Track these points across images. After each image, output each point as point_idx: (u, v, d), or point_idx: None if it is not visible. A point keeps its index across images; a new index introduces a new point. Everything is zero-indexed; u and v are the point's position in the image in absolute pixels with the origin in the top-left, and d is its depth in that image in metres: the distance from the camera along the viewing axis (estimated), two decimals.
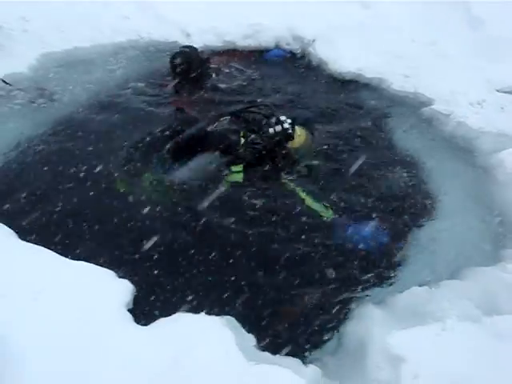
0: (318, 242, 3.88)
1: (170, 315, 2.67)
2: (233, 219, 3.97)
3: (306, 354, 3.12)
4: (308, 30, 6.95)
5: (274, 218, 4.05)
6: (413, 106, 5.64)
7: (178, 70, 5.71)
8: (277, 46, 7.02)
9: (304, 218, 4.04)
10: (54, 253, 2.93)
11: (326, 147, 4.94)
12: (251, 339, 2.79)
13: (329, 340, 3.23)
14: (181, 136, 4.57)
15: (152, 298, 3.28)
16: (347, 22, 7.06)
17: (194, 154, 4.46)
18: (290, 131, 4.47)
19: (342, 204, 4.25)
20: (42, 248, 2.97)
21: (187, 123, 4.76)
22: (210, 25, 7.00)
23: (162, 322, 2.61)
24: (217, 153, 4.43)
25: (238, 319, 2.89)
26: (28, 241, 3.07)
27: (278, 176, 4.39)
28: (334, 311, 3.39)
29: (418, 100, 5.62)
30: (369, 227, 3.92)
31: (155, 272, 3.53)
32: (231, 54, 6.87)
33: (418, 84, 5.74)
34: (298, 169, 4.52)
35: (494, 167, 4.51)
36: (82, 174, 4.41)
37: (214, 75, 6.04)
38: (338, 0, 7.73)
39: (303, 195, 4.17)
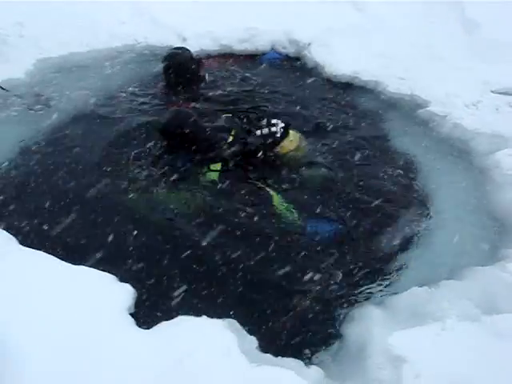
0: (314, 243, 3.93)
1: (172, 319, 2.69)
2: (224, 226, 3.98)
3: (308, 355, 3.14)
4: (304, 34, 6.95)
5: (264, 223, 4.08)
6: (409, 108, 5.65)
7: (169, 71, 5.69)
8: (272, 49, 7.02)
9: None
10: (55, 257, 2.94)
11: (320, 151, 4.95)
12: (253, 341, 2.81)
13: (330, 341, 3.25)
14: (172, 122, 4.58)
15: (153, 302, 3.29)
16: (342, 25, 7.08)
17: (183, 145, 4.51)
18: (278, 135, 4.51)
19: (339, 208, 4.28)
20: (43, 253, 2.97)
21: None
22: (206, 29, 6.99)
23: (163, 326, 2.62)
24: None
25: (240, 321, 2.90)
26: (28, 246, 3.07)
27: (257, 178, 4.43)
28: (334, 312, 3.41)
29: (414, 102, 5.63)
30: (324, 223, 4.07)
31: (156, 276, 3.55)
32: (226, 57, 6.88)
33: (413, 86, 5.75)
34: (284, 174, 4.53)
35: (491, 168, 4.54)
36: (80, 180, 4.42)
37: (207, 78, 6.01)
38: (334, 3, 7.77)
39: (276, 200, 4.21)
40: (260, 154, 4.50)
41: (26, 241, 3.24)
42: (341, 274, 3.67)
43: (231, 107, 5.46)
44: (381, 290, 3.58)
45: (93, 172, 4.54)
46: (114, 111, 5.50)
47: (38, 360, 2.27)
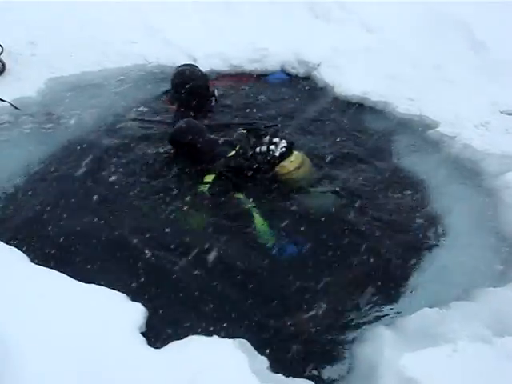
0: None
1: (183, 338, 2.69)
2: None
3: (319, 376, 3.13)
4: (313, 54, 7.01)
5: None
6: (418, 129, 5.67)
7: (181, 87, 5.70)
8: (282, 70, 7.06)
9: None
10: (66, 276, 2.95)
11: (327, 171, 4.97)
12: (264, 361, 2.80)
13: (341, 362, 3.24)
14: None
15: (164, 321, 3.28)
16: (352, 46, 7.12)
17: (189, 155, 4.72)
18: (276, 154, 4.52)
19: (347, 225, 4.29)
20: (54, 271, 2.98)
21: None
22: (216, 50, 7.05)
23: (174, 345, 2.62)
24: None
25: (251, 342, 2.89)
26: (40, 264, 3.08)
27: (245, 194, 4.44)
28: (345, 333, 3.41)
29: (424, 123, 5.65)
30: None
31: (167, 295, 3.55)
32: (235, 76, 6.92)
33: (423, 107, 5.78)
34: (278, 193, 4.54)
35: (501, 189, 4.54)
36: (91, 198, 4.44)
37: (216, 93, 6.03)
38: (343, 24, 7.83)
39: (256, 216, 4.24)
40: (251, 172, 4.53)
41: (37, 259, 3.25)
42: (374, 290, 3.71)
43: (242, 123, 5.48)
44: (391, 311, 3.57)
45: (103, 190, 4.57)
46: (122, 131, 5.52)
47: (49, 380, 2.27)
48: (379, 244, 4.13)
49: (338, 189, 4.65)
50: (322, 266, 3.89)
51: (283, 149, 4.55)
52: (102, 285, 2.95)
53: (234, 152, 4.62)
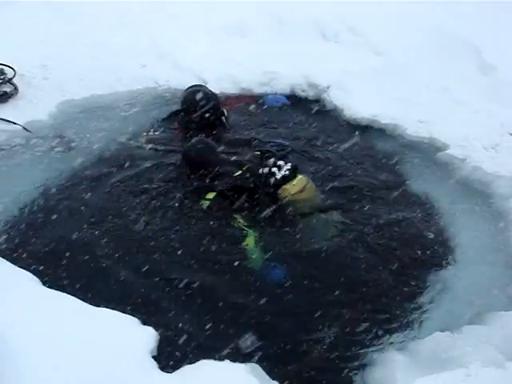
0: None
1: (194, 362, 2.69)
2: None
3: None
4: (322, 77, 7.01)
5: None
6: (428, 151, 5.67)
7: (193, 107, 5.76)
8: (276, 93, 7.06)
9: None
10: (78, 299, 2.96)
11: (335, 193, 4.97)
12: None
13: None
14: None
15: (176, 345, 3.29)
16: (361, 69, 7.13)
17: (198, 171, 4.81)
18: (278, 177, 4.54)
19: (359, 248, 4.28)
20: (65, 294, 3.00)
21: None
22: (226, 72, 7.07)
23: (187, 370, 2.63)
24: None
25: (263, 366, 2.89)
26: (51, 287, 3.10)
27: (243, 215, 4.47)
28: (356, 358, 3.39)
29: (433, 145, 5.65)
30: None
31: (179, 318, 3.55)
32: (247, 97, 6.94)
33: (432, 129, 5.78)
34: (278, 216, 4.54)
35: (511, 211, 4.54)
36: (102, 223, 4.49)
37: (226, 113, 6.05)
38: (352, 47, 7.88)
39: (249, 238, 4.26)
40: (251, 192, 4.56)
41: (49, 282, 3.26)
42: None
43: (252, 145, 5.54)
44: (403, 335, 3.56)
45: (113, 213, 4.62)
46: (132, 155, 5.54)
47: None
48: (388, 267, 4.13)
49: (341, 213, 4.66)
50: (330, 290, 3.89)
51: (287, 172, 4.57)
52: (113, 308, 2.96)
53: (240, 172, 4.67)
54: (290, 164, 4.64)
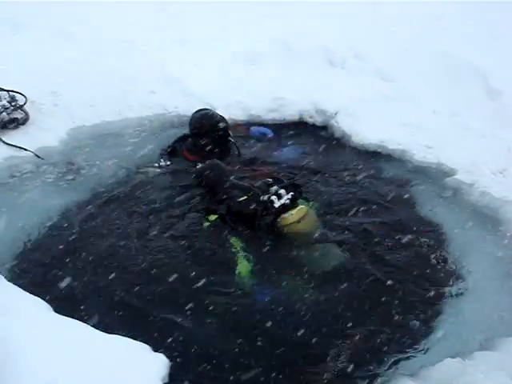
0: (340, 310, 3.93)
1: None
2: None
3: None
4: (330, 103, 7.06)
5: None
6: (436, 177, 5.70)
7: (204, 130, 5.82)
8: (259, 125, 7.03)
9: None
10: (88, 326, 2.97)
11: (343, 218, 5.00)
12: None
13: None
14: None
15: (187, 372, 3.29)
16: (368, 95, 7.19)
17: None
18: (275, 205, 4.59)
19: (365, 275, 4.29)
20: (76, 321, 3.01)
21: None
22: (235, 99, 7.14)
23: None
24: None
25: None
26: (63, 314, 3.11)
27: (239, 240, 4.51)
28: None
29: (441, 170, 5.67)
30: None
31: (190, 345, 3.55)
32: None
33: (440, 155, 5.80)
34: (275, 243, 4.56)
35: None
36: (112, 250, 4.52)
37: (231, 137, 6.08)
38: (360, 73, 7.94)
39: (241, 264, 4.31)
40: (250, 218, 4.60)
41: (60, 309, 3.27)
42: (418, 324, 3.79)
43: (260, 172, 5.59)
44: (414, 361, 3.54)
45: (122, 240, 4.65)
46: (141, 182, 5.59)
47: None
48: (396, 293, 4.13)
49: (344, 240, 4.66)
50: (336, 317, 3.89)
51: (287, 201, 4.63)
52: (124, 335, 2.97)
53: (245, 197, 4.71)
54: (291, 194, 4.70)
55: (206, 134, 5.81)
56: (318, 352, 3.59)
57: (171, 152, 6.04)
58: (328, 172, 5.84)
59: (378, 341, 3.69)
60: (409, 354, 3.60)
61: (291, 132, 6.94)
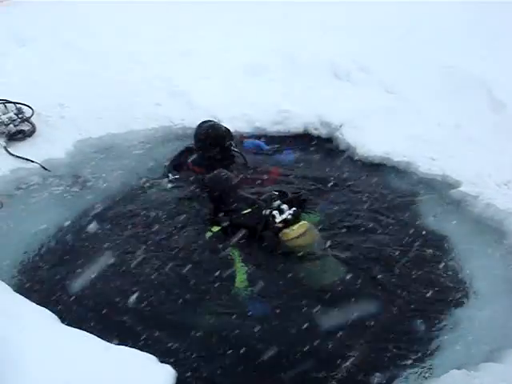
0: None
1: None
2: None
3: None
4: (335, 116, 7.08)
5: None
6: (441, 189, 5.70)
7: (210, 141, 5.80)
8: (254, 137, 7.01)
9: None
10: (96, 337, 2.99)
11: (347, 231, 5.01)
12: None
13: None
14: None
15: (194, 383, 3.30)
16: (373, 107, 7.22)
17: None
18: (277, 220, 4.61)
19: (369, 287, 4.30)
20: (84, 332, 3.03)
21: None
22: (240, 111, 7.17)
23: None
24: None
25: None
26: (70, 325, 3.13)
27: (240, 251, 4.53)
28: None
29: (446, 182, 5.68)
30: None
31: (196, 356, 3.57)
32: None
33: (445, 167, 5.81)
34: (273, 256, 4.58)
35: None
36: (118, 260, 4.56)
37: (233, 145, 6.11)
38: (364, 86, 7.95)
39: (238, 265, 4.36)
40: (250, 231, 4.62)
41: (67, 319, 3.29)
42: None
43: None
44: (419, 373, 3.54)
45: (127, 251, 4.70)
46: (148, 195, 5.63)
47: None
48: (401, 306, 4.14)
49: (345, 255, 4.64)
50: (339, 329, 3.88)
51: (289, 216, 4.65)
52: (131, 346, 2.99)
53: (249, 210, 4.74)
54: (293, 209, 4.71)
55: (211, 146, 5.81)
56: (318, 367, 3.60)
57: (176, 165, 6.01)
58: (333, 184, 5.86)
59: (382, 353, 3.70)
60: (414, 366, 3.60)
61: (296, 144, 6.97)
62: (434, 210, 5.48)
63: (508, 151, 6.03)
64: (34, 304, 3.29)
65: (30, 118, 6.35)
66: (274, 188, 5.25)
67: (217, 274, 4.35)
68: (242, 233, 4.57)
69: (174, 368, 2.86)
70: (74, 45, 9.09)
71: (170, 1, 11.96)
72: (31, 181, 5.68)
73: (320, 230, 4.81)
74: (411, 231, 5.06)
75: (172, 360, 3.10)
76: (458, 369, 3.34)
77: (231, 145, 6.02)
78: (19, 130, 6.15)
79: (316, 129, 7.11)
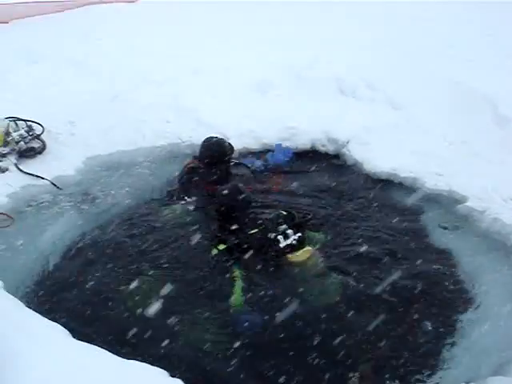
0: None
1: None
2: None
3: None
4: (342, 132, 7.14)
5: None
6: (447, 204, 5.73)
7: (216, 158, 5.86)
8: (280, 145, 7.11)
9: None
10: (107, 351, 3.01)
11: (353, 247, 5.02)
12: None
13: None
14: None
15: None
16: (379, 123, 7.27)
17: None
18: (280, 245, 4.60)
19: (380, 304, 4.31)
20: (95, 346, 3.05)
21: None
22: (247, 128, 7.23)
23: None
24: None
25: None
26: (81, 340, 3.15)
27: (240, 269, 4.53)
28: None
29: (452, 197, 5.71)
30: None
31: (206, 369, 3.60)
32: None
33: (451, 182, 5.84)
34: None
35: None
36: (127, 276, 4.59)
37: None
38: (370, 102, 8.01)
39: (237, 287, 4.34)
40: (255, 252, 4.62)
41: (78, 334, 3.32)
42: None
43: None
44: None
45: (136, 267, 4.73)
46: (155, 213, 5.63)
47: None
48: (407, 319, 4.15)
49: (349, 273, 4.65)
50: (347, 343, 3.88)
51: (293, 241, 4.65)
52: (142, 360, 3.01)
53: (255, 231, 4.72)
54: (298, 235, 4.72)
55: (218, 161, 5.88)
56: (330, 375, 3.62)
57: (187, 187, 5.98)
58: (339, 200, 5.92)
59: (389, 368, 3.70)
60: (422, 381, 3.61)
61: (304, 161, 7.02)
62: (440, 224, 5.49)
63: None
64: (46, 319, 3.31)
65: (40, 135, 6.42)
66: (283, 203, 5.30)
67: (217, 290, 4.39)
68: (248, 255, 4.58)
69: (185, 382, 2.88)
70: (83, 62, 9.22)
71: (178, 20, 12.13)
72: (42, 198, 5.74)
73: (325, 247, 4.87)
74: (418, 246, 5.09)
75: (183, 374, 3.11)
76: (467, 382, 3.35)
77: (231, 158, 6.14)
78: (30, 148, 6.22)
79: (323, 145, 7.16)
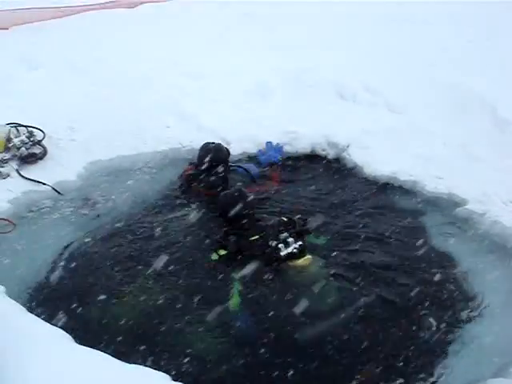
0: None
1: None
2: None
3: None
4: (342, 136, 7.14)
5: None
6: (447, 207, 5.74)
7: (216, 162, 5.94)
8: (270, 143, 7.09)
9: None
10: (109, 356, 3.02)
11: (354, 251, 5.04)
12: None
13: None
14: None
15: None
16: (379, 127, 7.28)
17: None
18: (282, 253, 4.64)
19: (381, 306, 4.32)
20: (97, 351, 3.06)
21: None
22: (248, 133, 7.23)
23: None
24: None
25: None
26: (83, 344, 3.16)
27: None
28: None
29: (452, 201, 5.72)
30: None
31: (209, 374, 3.61)
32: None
33: (451, 185, 5.86)
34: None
35: None
36: (129, 281, 4.61)
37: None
38: (370, 106, 8.02)
39: (235, 292, 4.38)
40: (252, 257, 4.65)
41: (80, 338, 3.33)
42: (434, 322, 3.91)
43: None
44: None
45: (137, 272, 4.76)
46: (156, 218, 5.67)
47: None
48: (409, 322, 4.18)
49: (349, 277, 4.66)
50: (349, 346, 3.92)
51: (294, 250, 4.68)
52: (144, 364, 3.02)
53: (256, 237, 4.76)
54: (299, 243, 4.75)
55: (217, 165, 5.94)
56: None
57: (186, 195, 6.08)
58: (340, 204, 5.94)
59: (391, 371, 3.72)
60: (423, 381, 3.62)
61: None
62: (440, 228, 5.51)
63: None
64: (48, 324, 3.32)
65: (41, 141, 6.43)
66: (284, 208, 5.31)
67: (216, 294, 4.42)
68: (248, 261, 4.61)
69: None
70: (84, 68, 9.21)
71: (178, 26, 12.14)
72: (43, 204, 5.75)
73: (325, 251, 4.91)
74: (418, 249, 5.08)
75: (185, 378, 3.12)
76: None
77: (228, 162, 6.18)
78: (31, 153, 6.23)
79: (323, 149, 7.16)
